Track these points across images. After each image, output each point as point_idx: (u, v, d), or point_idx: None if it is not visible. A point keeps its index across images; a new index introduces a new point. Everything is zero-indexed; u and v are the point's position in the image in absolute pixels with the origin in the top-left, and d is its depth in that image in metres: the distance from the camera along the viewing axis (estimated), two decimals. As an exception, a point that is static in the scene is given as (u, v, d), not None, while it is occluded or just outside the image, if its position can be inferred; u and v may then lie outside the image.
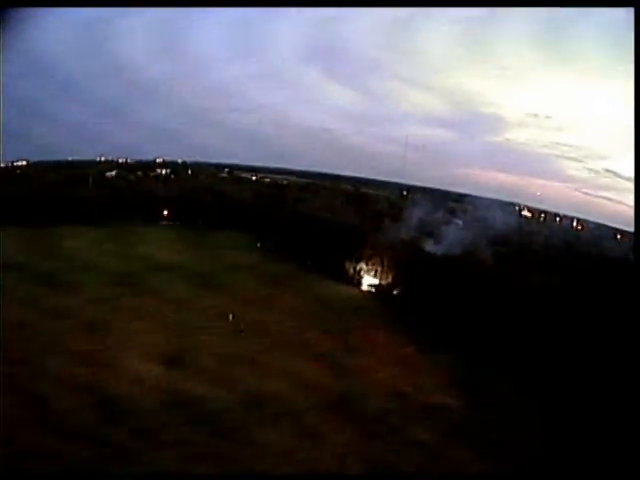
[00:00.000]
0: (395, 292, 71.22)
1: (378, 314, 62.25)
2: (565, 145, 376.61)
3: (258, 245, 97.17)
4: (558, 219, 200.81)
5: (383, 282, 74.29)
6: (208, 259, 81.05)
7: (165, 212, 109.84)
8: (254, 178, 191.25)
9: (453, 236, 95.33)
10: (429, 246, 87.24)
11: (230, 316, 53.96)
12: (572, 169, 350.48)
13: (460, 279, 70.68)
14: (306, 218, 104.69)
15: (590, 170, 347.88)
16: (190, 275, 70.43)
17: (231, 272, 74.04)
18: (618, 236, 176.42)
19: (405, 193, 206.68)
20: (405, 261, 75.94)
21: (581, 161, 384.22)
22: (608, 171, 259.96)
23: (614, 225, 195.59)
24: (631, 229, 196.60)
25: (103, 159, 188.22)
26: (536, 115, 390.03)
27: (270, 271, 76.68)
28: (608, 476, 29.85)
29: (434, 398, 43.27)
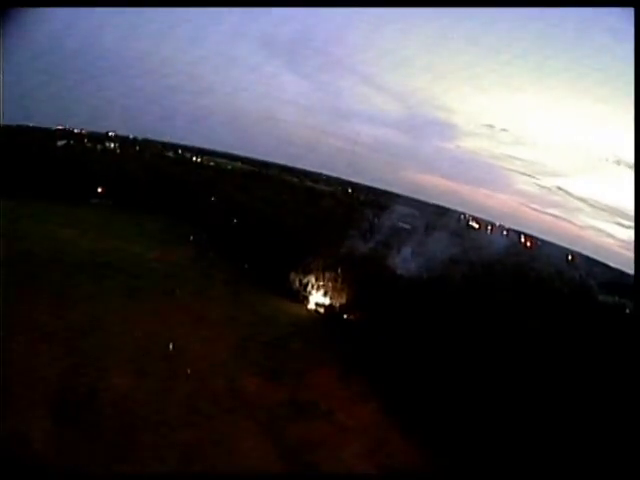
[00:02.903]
0: (348, 316, 59.86)
1: (330, 347, 50.22)
2: (518, 159, 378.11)
3: (191, 238, 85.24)
4: (505, 232, 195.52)
5: (335, 302, 62.47)
6: (133, 254, 68.44)
7: (100, 189, 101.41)
8: (199, 160, 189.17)
9: (410, 249, 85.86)
10: (387, 259, 76.65)
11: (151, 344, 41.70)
12: (522, 183, 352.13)
13: (422, 302, 61.06)
14: (247, 211, 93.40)
15: (541, 186, 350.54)
16: (107, 275, 57.53)
17: (154, 276, 61.30)
18: (569, 257, 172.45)
19: (350, 191, 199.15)
20: (360, 277, 64.97)
21: (532, 176, 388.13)
22: (560, 189, 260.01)
23: (560, 243, 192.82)
24: (577, 248, 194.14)
25: (60, 127, 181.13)
26: (492, 126, 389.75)
27: (201, 277, 64.34)
28: None
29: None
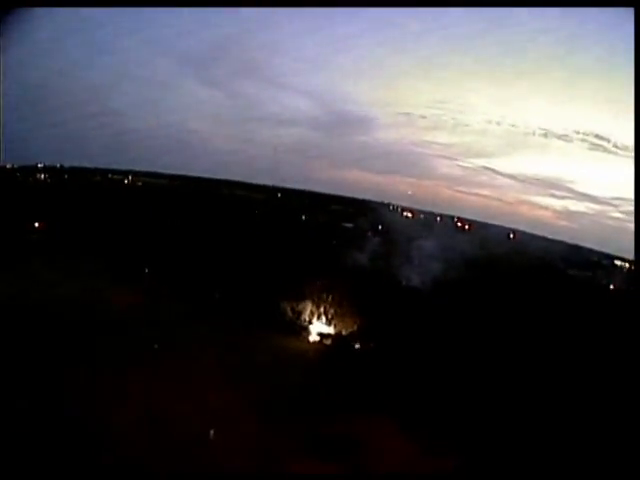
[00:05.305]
0: (359, 345, 50.84)
1: (361, 391, 41.00)
2: (438, 144, 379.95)
3: (146, 271, 72.73)
4: (439, 219, 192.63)
5: (339, 329, 53.56)
6: (90, 296, 57.29)
7: (37, 224, 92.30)
8: (127, 182, 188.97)
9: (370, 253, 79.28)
10: (373, 270, 68.82)
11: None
12: (445, 167, 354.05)
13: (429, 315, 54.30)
14: (198, 232, 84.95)
15: (464, 168, 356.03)
16: (58, 328, 45.82)
17: (121, 325, 49.83)
18: (511, 236, 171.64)
19: (280, 196, 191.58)
20: (358, 293, 56.83)
21: (455, 159, 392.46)
22: (486, 168, 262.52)
23: (494, 222, 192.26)
24: (513, 225, 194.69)
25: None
26: (409, 114, 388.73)
27: (175, 320, 53.47)
28: None
29: None
